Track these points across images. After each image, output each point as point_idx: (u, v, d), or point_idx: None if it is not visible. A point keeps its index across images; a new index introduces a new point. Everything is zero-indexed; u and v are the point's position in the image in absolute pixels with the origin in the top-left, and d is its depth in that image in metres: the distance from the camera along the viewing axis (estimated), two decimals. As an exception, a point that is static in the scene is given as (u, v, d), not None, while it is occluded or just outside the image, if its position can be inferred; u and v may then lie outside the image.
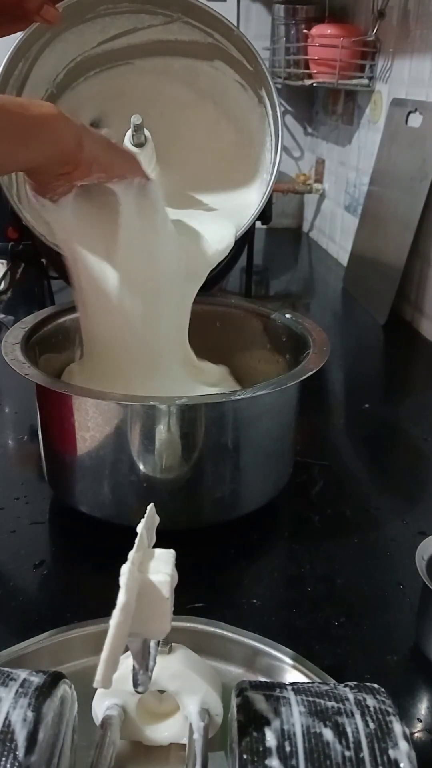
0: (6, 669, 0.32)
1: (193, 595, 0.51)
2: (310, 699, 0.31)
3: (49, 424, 0.58)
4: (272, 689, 0.32)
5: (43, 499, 0.63)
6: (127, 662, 0.34)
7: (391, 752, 0.28)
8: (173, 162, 0.77)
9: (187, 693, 0.36)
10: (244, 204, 0.75)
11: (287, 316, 0.68)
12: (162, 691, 0.38)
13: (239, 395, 0.53)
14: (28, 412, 0.76)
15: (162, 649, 0.36)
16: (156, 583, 0.32)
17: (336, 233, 1.49)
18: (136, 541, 0.32)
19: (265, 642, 0.43)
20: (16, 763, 0.27)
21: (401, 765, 0.28)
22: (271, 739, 0.29)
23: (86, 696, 0.36)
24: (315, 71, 1.31)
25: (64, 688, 0.32)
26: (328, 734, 0.29)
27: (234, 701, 0.31)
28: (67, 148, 0.51)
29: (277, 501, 0.61)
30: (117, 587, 0.28)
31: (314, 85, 1.32)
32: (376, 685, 0.32)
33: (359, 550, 0.58)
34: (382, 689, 0.32)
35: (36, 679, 0.31)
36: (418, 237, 1.02)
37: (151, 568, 0.33)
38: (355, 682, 0.33)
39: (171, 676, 0.36)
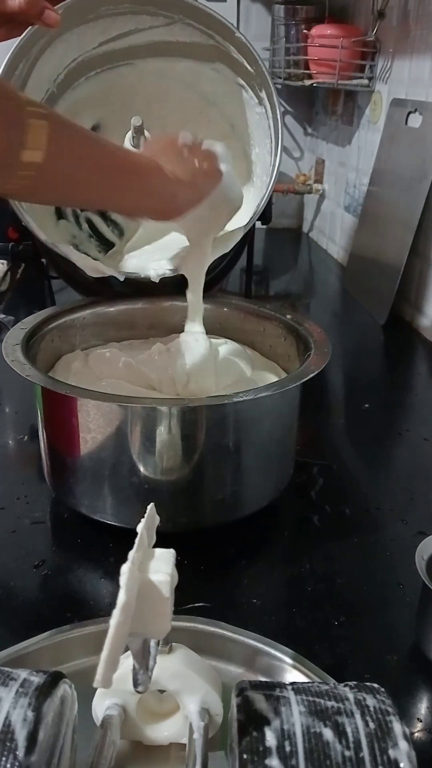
0: (6, 669, 0.32)
1: (193, 595, 0.51)
2: (310, 699, 0.31)
3: (50, 425, 0.58)
4: (272, 689, 0.32)
5: (43, 499, 0.63)
6: (127, 662, 0.34)
7: (391, 752, 0.28)
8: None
9: (187, 693, 0.36)
10: (243, 209, 0.75)
11: (287, 316, 0.68)
12: (162, 691, 0.38)
13: (241, 397, 0.53)
14: (28, 412, 0.76)
15: (162, 649, 0.36)
16: (156, 582, 0.32)
17: (336, 233, 1.49)
18: (136, 540, 0.32)
19: (265, 642, 0.43)
20: (16, 763, 0.27)
21: (401, 765, 0.28)
22: (271, 738, 0.29)
23: (86, 696, 0.36)
24: (315, 71, 1.31)
25: (64, 688, 0.32)
26: (328, 734, 0.29)
27: (234, 701, 0.31)
28: (161, 202, 0.56)
29: (278, 501, 0.61)
30: (117, 587, 0.29)
31: (314, 85, 1.32)
32: (376, 685, 0.32)
33: (359, 550, 0.58)
34: (382, 689, 0.32)
35: (36, 679, 0.31)
36: (418, 237, 1.02)
37: (151, 568, 0.33)
38: (355, 682, 0.33)
39: (171, 676, 0.36)
